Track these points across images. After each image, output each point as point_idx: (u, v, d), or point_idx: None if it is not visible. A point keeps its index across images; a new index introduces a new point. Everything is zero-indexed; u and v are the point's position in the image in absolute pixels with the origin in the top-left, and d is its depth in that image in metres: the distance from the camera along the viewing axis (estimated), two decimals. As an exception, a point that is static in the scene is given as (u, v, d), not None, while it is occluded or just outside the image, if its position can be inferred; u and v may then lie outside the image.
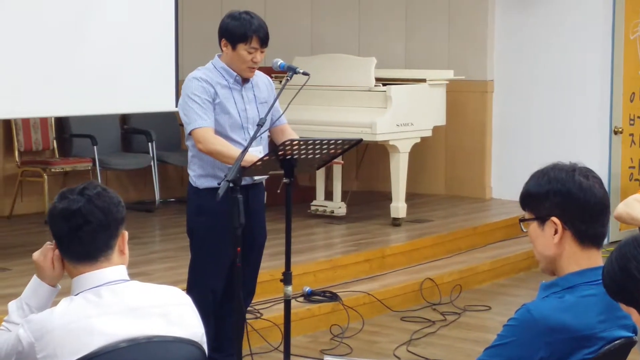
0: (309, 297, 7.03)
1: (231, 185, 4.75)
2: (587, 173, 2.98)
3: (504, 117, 10.25)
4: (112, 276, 2.92)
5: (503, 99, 10.24)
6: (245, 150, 4.92)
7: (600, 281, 2.66)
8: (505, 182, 10.22)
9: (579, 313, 2.86)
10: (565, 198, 2.92)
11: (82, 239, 2.89)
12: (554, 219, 2.92)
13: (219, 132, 5.23)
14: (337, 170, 9.17)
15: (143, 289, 2.97)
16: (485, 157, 10.34)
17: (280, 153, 4.98)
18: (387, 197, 9.11)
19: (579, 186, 2.93)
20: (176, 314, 2.94)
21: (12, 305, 3.03)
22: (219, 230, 5.18)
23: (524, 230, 3.00)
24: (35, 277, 3.04)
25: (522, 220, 3.00)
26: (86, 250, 2.91)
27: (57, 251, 2.98)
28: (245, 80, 5.34)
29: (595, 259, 2.95)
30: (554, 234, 2.93)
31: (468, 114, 10.31)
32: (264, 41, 5.23)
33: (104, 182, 9.54)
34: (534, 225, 2.97)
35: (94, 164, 9.22)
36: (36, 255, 3.02)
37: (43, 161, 9.15)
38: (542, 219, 2.95)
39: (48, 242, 3.02)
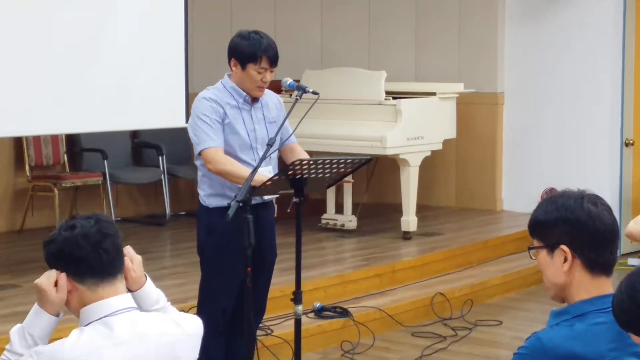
0: (319, 312, 7.03)
1: (241, 204, 4.75)
2: (596, 200, 2.95)
3: (514, 129, 10.24)
4: (119, 304, 2.94)
5: (513, 111, 10.23)
6: (255, 170, 4.92)
7: (611, 309, 2.65)
8: (516, 194, 10.21)
9: (589, 341, 2.84)
10: (574, 226, 2.90)
11: (107, 251, 2.94)
12: (563, 247, 2.90)
13: (229, 152, 5.23)
14: (348, 183, 9.16)
15: (152, 319, 2.99)
16: (495, 169, 10.33)
17: (290, 173, 4.99)
18: (398, 210, 9.10)
19: (588, 214, 2.91)
20: (182, 344, 2.98)
21: (14, 334, 3.01)
22: (229, 250, 5.18)
23: (533, 258, 2.99)
24: (36, 305, 3.03)
25: (531, 248, 2.99)
26: (110, 265, 2.95)
27: (63, 280, 2.98)
28: (254, 100, 5.34)
29: (605, 286, 2.94)
30: (564, 262, 2.91)
31: (478, 126, 10.30)
32: (273, 61, 5.22)
33: (115, 196, 9.57)
34: (543, 253, 2.95)
35: (105, 179, 9.24)
36: (40, 281, 3.00)
37: (54, 176, 9.18)
38: (551, 247, 2.93)
39: (49, 271, 3.01)
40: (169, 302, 3.25)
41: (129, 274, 3.07)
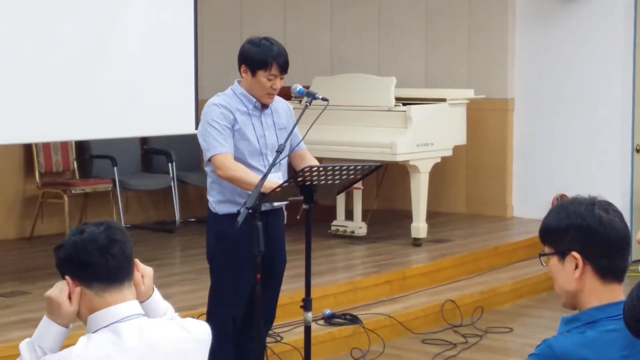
0: (329, 320, 7.01)
1: (250, 211, 4.74)
2: (607, 207, 2.93)
3: (525, 135, 10.22)
4: (126, 311, 2.92)
5: (524, 116, 10.21)
6: (265, 176, 4.91)
7: (622, 316, 2.63)
8: (527, 200, 10.18)
9: (601, 348, 2.82)
10: (586, 233, 2.88)
11: (114, 256, 2.92)
12: (574, 253, 2.88)
13: (238, 158, 5.22)
14: (358, 190, 9.13)
15: (159, 324, 2.98)
16: (506, 175, 10.30)
17: (299, 179, 4.97)
18: (408, 216, 9.08)
19: (599, 220, 2.89)
20: (190, 350, 2.97)
21: (24, 347, 2.98)
22: (239, 257, 5.17)
23: (544, 264, 2.97)
24: (45, 317, 3.02)
25: (542, 254, 2.97)
26: (117, 271, 2.93)
27: (78, 288, 2.96)
28: (264, 106, 5.33)
29: (617, 293, 2.91)
30: (575, 269, 2.89)
31: (489, 132, 10.28)
32: (283, 68, 5.21)
33: (125, 203, 9.57)
34: (554, 260, 2.93)
35: (114, 185, 9.25)
36: (52, 292, 2.98)
37: (63, 182, 9.17)
38: (562, 254, 2.91)
39: (60, 282, 3.00)
40: (177, 314, 3.23)
41: (139, 288, 3.06)
